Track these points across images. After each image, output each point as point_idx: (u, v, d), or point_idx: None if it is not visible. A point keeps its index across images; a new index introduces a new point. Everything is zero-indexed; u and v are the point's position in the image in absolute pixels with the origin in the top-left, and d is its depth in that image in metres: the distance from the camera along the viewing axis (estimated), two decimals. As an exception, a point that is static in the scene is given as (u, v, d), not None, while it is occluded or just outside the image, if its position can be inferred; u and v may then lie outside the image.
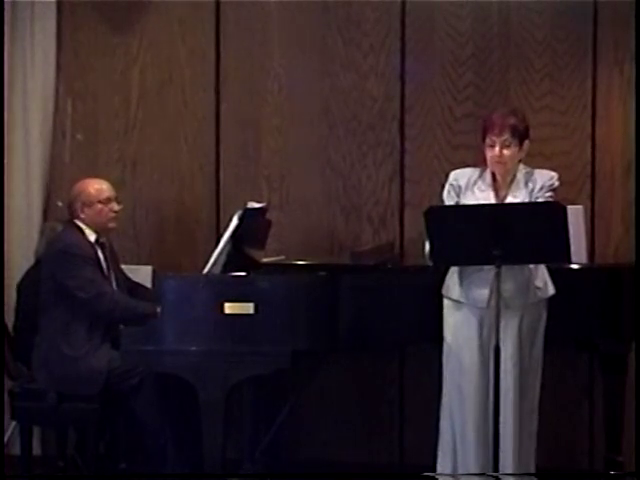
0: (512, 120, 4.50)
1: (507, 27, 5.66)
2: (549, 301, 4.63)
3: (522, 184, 4.53)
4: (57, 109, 5.95)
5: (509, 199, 4.52)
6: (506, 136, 4.47)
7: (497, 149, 4.47)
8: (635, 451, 4.92)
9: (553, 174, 4.58)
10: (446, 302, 4.65)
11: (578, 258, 4.95)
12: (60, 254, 5.08)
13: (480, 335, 4.54)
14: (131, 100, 5.96)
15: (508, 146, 4.48)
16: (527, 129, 4.56)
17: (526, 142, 4.54)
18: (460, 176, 4.61)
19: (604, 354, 5.10)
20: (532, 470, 4.60)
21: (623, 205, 5.59)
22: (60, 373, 5.00)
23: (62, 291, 5.03)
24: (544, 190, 4.51)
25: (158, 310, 4.86)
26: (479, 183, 4.56)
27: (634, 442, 4.97)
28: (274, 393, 5.58)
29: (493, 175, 4.57)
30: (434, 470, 4.66)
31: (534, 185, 4.53)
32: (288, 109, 5.84)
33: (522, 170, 4.57)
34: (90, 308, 5.02)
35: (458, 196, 4.59)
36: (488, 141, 4.50)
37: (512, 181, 4.55)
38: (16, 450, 5.42)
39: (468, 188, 4.57)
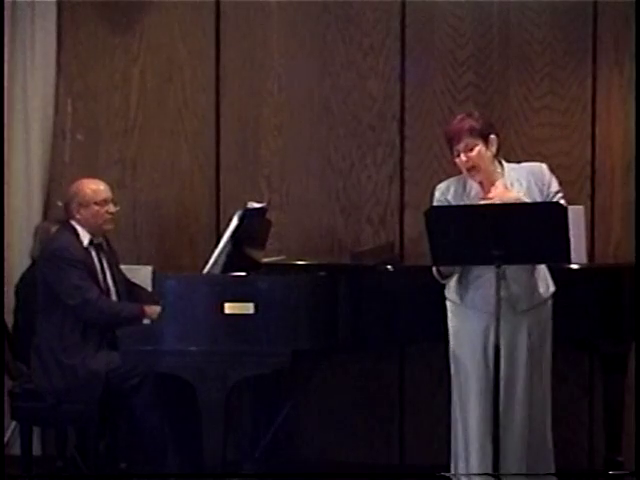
0: (466, 123, 4.44)
1: (507, 27, 5.66)
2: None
3: (515, 181, 4.45)
4: (57, 109, 5.96)
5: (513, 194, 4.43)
6: (466, 140, 4.42)
7: (462, 156, 4.43)
8: (635, 451, 4.91)
9: (543, 168, 4.49)
10: (449, 304, 4.60)
11: (578, 258, 4.94)
12: (50, 257, 5.06)
13: (485, 337, 4.46)
14: (131, 100, 5.96)
15: (471, 149, 4.42)
16: (488, 125, 4.50)
17: (491, 137, 4.46)
18: (445, 190, 4.55)
19: (604, 354, 5.09)
20: (552, 469, 4.58)
21: (623, 205, 5.59)
22: (59, 381, 5.00)
23: (54, 294, 5.03)
24: (552, 193, 4.43)
25: (146, 310, 4.92)
26: (466, 191, 4.50)
27: (634, 442, 4.97)
28: (274, 393, 5.58)
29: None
30: (448, 470, 4.64)
31: (535, 183, 4.45)
32: (288, 109, 5.84)
33: (506, 167, 4.48)
34: (77, 315, 5.02)
35: None
36: (454, 152, 4.47)
37: (498, 178, 4.46)
38: (16, 450, 5.43)
39: (456, 200, 4.50)
